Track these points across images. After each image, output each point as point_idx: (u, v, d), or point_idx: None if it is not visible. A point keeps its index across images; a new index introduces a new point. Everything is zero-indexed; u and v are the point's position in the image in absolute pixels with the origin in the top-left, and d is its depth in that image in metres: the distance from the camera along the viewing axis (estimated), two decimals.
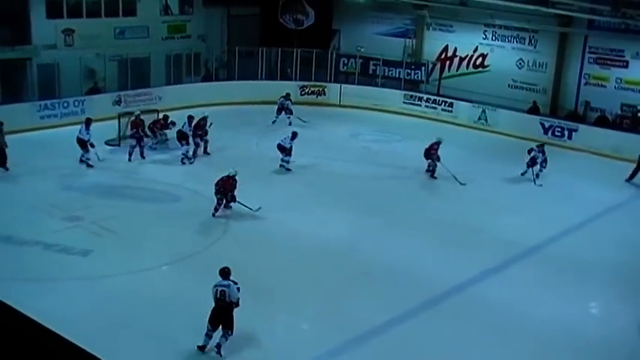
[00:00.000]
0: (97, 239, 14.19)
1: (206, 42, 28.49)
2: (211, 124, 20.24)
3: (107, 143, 20.44)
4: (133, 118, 20.04)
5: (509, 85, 27.04)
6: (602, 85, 24.90)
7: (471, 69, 28.33)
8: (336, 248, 14.42)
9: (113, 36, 25.44)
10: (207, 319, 10.28)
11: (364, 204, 17.17)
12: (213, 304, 10.29)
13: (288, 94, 24.86)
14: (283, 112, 24.27)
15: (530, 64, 26.69)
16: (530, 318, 12.07)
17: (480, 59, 28.03)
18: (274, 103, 24.72)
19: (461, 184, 18.97)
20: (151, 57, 25.71)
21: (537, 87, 26.49)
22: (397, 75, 28.24)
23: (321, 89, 27.90)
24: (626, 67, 24.28)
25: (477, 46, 27.99)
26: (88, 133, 18.53)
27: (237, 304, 10.37)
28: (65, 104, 22.38)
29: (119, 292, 12.05)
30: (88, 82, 24.20)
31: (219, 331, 10.40)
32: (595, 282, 13.85)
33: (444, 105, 26.56)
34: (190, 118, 19.94)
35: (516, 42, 27.00)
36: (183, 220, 15.56)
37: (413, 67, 28.54)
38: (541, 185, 19.32)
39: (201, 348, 10.43)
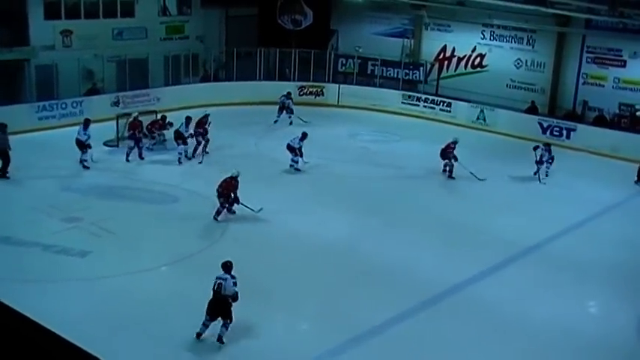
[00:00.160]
0: (95, 240, 14.19)
1: (204, 43, 28.48)
2: (210, 123, 20.27)
3: (106, 144, 20.47)
4: (131, 119, 20.06)
5: (507, 85, 27.05)
6: (600, 85, 24.92)
7: (469, 69, 28.34)
8: (336, 248, 14.43)
9: (111, 37, 25.42)
10: (205, 309, 10.50)
11: (363, 204, 17.17)
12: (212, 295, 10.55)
13: (289, 93, 24.92)
14: (284, 112, 24.34)
15: (529, 64, 26.71)
16: (530, 318, 12.08)
17: (478, 59, 28.05)
18: (273, 103, 24.74)
19: (479, 179, 19.13)
20: (150, 58, 25.69)
21: (535, 87, 26.51)
22: (395, 75, 28.24)
23: (319, 89, 27.90)
24: (624, 66, 24.31)
25: (475, 46, 28.01)
26: (85, 134, 18.52)
27: (234, 299, 10.55)
28: (63, 105, 22.37)
29: (118, 292, 12.05)
30: (87, 83, 24.18)
31: (220, 321, 10.62)
32: (594, 281, 13.85)
33: (443, 105, 26.57)
34: (188, 118, 19.95)
35: (514, 42, 27.01)
36: (182, 221, 15.57)
37: (411, 67, 28.54)
38: (545, 184, 19.41)
39: (198, 335, 10.69)
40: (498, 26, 27.10)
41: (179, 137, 19.64)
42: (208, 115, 20.46)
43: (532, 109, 25.41)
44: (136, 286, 12.33)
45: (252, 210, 15.51)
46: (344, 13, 30.72)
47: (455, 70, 28.66)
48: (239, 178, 15.51)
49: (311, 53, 28.06)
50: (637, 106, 23.54)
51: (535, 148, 19.73)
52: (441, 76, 28.44)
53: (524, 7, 22.08)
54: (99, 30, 24.93)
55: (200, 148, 20.11)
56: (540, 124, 24.27)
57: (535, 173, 19.74)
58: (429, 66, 28.61)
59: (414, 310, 12.12)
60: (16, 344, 2.71)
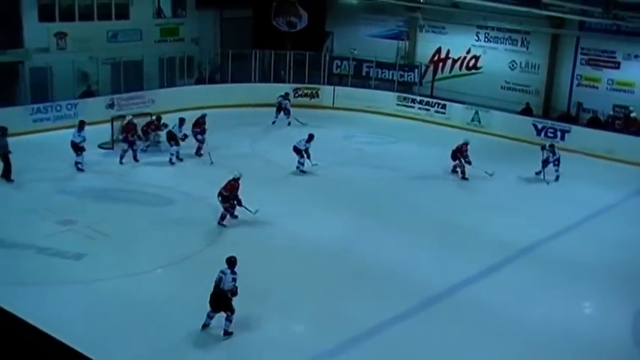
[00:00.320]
0: (90, 243, 14.15)
1: (199, 45, 28.47)
2: (205, 123, 20.36)
3: (100, 147, 20.44)
4: (125, 122, 20.05)
5: (502, 87, 27.11)
6: (594, 86, 24.99)
7: (463, 71, 28.39)
8: (331, 250, 14.43)
9: (106, 39, 25.40)
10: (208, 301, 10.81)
11: (359, 205, 17.19)
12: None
13: (286, 94, 25.00)
14: (282, 112, 24.41)
15: (523, 66, 26.77)
16: (526, 319, 12.10)
17: (473, 61, 28.11)
18: (268, 105, 24.75)
19: (489, 175, 19.38)
20: (144, 60, 25.64)
21: (530, 88, 26.57)
22: (390, 77, 28.30)
23: (314, 91, 27.92)
24: (618, 68, 24.38)
25: (470, 48, 28.07)
26: (79, 136, 18.48)
27: (232, 294, 10.74)
28: (58, 108, 22.34)
29: (113, 295, 12.02)
30: (81, 85, 24.17)
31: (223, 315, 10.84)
32: (590, 282, 13.87)
33: (437, 107, 26.61)
34: (182, 120, 20.04)
35: (509, 43, 27.08)
36: (177, 223, 15.55)
37: (406, 69, 28.59)
38: (547, 184, 19.63)
39: (203, 326, 10.99)
40: (493, 28, 27.18)
41: (172, 138, 19.70)
42: (205, 115, 20.54)
43: (527, 111, 25.47)
44: (131, 289, 12.30)
45: (250, 211, 15.48)
46: (339, 15, 30.76)
47: (450, 72, 28.71)
48: (240, 181, 15.47)
49: (306, 55, 28.07)
50: (631, 108, 23.60)
51: (543, 148, 19.92)
52: (436, 77, 28.50)
53: (519, 9, 22.12)
54: (93, 32, 24.89)
55: (204, 147, 20.23)
56: (535, 126, 24.33)
57: (537, 173, 19.86)
58: (423, 68, 28.66)
59: (411, 311, 12.13)
60: (11, 347, 2.71)
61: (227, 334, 10.92)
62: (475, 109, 25.63)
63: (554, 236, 16.00)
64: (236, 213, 15.59)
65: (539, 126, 24.29)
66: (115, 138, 20.54)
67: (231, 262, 10.88)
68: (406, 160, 21.29)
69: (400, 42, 29.78)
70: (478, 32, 27.68)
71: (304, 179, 19.15)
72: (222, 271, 10.82)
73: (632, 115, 23.48)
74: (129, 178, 18.61)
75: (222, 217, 15.36)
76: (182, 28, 28.22)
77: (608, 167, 21.52)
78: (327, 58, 29.13)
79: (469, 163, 19.44)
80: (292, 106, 25.04)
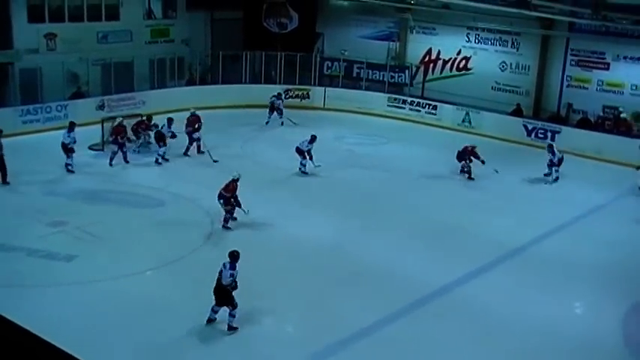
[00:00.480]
0: (81, 244, 14.10)
1: (190, 46, 28.43)
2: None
3: (91, 148, 20.37)
4: (115, 124, 19.99)
5: (492, 88, 27.18)
6: (584, 87, 25.09)
7: (454, 72, 28.46)
8: (323, 251, 14.42)
9: (96, 40, 25.31)
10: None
11: (350, 206, 17.20)
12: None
13: (279, 94, 25.08)
14: (275, 112, 24.44)
15: (513, 67, 26.86)
16: (517, 319, 12.13)
17: (463, 62, 28.18)
18: (258, 106, 24.73)
19: (496, 172, 19.65)
20: (135, 61, 25.57)
21: (520, 89, 26.66)
22: (381, 78, 28.35)
23: (305, 92, 27.93)
24: (608, 69, 24.49)
25: (460, 49, 28.14)
26: (69, 137, 18.41)
27: (232, 287, 10.87)
28: (48, 109, 22.25)
29: (104, 297, 11.97)
30: (71, 86, 24.07)
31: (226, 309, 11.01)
32: (581, 282, 13.92)
33: (428, 108, 26.67)
34: (170, 120, 20.09)
35: (499, 45, 27.17)
36: (168, 225, 15.52)
37: (397, 70, 28.64)
38: (545, 184, 19.89)
39: (208, 321, 11.14)
40: (483, 29, 27.25)
41: (160, 139, 19.69)
42: (195, 112, 20.67)
43: (517, 112, 25.55)
44: (122, 290, 12.25)
45: (244, 211, 15.41)
46: (330, 17, 30.78)
47: (440, 73, 28.77)
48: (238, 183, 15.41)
49: (297, 56, 28.07)
50: (621, 109, 23.72)
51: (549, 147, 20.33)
52: (427, 78, 28.55)
53: (509, 11, 22.21)
54: (83, 33, 24.80)
55: (202, 146, 20.34)
56: (525, 127, 24.42)
57: (546, 175, 20.16)
58: (414, 69, 28.72)
59: (403, 312, 12.14)
60: (0, 349, 2.70)
61: (231, 329, 11.01)
62: (466, 110, 25.70)
63: (545, 236, 16.06)
64: (235, 215, 15.56)
65: (530, 127, 24.38)
66: (105, 139, 20.48)
67: (233, 256, 11.02)
68: (397, 160, 21.33)
69: (391, 43, 29.83)
70: (468, 33, 27.76)
71: (293, 180, 19.14)
72: (223, 265, 10.96)
73: (622, 115, 23.59)
74: (119, 180, 18.55)
75: (226, 220, 15.28)
76: (172, 29, 28.17)
77: (598, 167, 21.63)
78: (318, 59, 29.16)
79: (483, 162, 19.63)
80: (283, 106, 25.07)
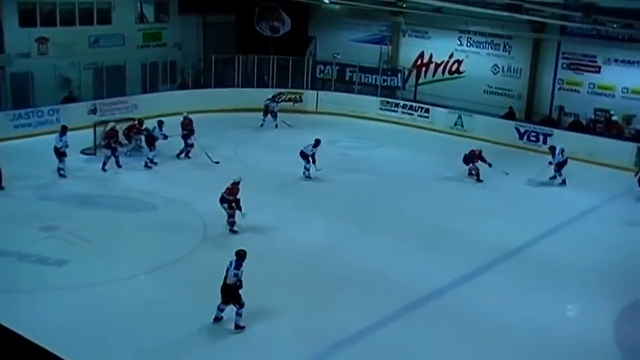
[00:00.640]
0: (73, 249, 14.04)
1: (182, 50, 28.41)
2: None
3: (83, 152, 20.31)
4: (107, 128, 19.95)
5: (484, 91, 27.27)
6: (575, 90, 25.20)
7: (446, 75, 28.53)
8: (316, 254, 14.41)
9: (88, 44, 25.27)
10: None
11: (343, 210, 17.20)
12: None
13: (274, 97, 25.15)
14: (269, 115, 24.48)
15: (505, 70, 26.95)
16: (510, 322, 12.14)
17: (456, 65, 28.25)
18: (251, 110, 24.71)
19: (506, 174, 19.88)
20: (127, 65, 25.51)
21: (512, 92, 26.75)
22: (373, 81, 28.37)
23: (297, 96, 27.93)
24: (599, 72, 24.62)
25: (453, 53, 28.22)
26: (61, 141, 18.35)
27: (237, 286, 10.97)
28: (40, 113, 22.16)
29: (97, 301, 11.92)
30: (63, 90, 23.99)
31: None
32: (573, 285, 13.95)
33: (421, 111, 26.71)
34: (160, 122, 20.12)
35: (491, 48, 27.26)
36: (160, 229, 15.48)
37: (389, 73, 28.67)
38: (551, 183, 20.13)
39: (214, 320, 11.22)
40: (475, 32, 27.33)
41: (150, 142, 19.71)
42: (188, 116, 20.69)
43: (510, 115, 25.63)
44: (115, 295, 12.20)
45: (242, 214, 15.36)
46: (322, 20, 30.82)
47: (432, 77, 28.83)
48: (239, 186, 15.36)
49: (289, 60, 28.08)
50: (612, 111, 23.82)
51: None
52: (419, 82, 28.57)
53: (500, 14, 22.24)
54: (75, 37, 24.76)
55: (190, 152, 20.39)
56: (517, 130, 24.49)
57: (551, 178, 20.28)
58: (406, 72, 28.76)
59: (397, 314, 12.12)
60: None
61: (238, 327, 11.06)
62: (458, 113, 25.75)
63: (538, 239, 16.09)
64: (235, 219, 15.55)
65: (522, 130, 24.44)
66: (97, 143, 20.43)
67: (239, 255, 11.10)
68: (390, 164, 21.36)
69: (383, 46, 29.88)
70: (460, 37, 27.84)
71: (286, 184, 19.11)
72: (230, 263, 11.05)
73: (613, 118, 23.70)
74: (111, 184, 18.50)
75: (232, 224, 15.23)
76: (165, 33, 28.14)
77: (590, 170, 21.69)
78: (311, 62, 29.19)
79: (490, 165, 19.67)
80: (277, 110, 25.13)
